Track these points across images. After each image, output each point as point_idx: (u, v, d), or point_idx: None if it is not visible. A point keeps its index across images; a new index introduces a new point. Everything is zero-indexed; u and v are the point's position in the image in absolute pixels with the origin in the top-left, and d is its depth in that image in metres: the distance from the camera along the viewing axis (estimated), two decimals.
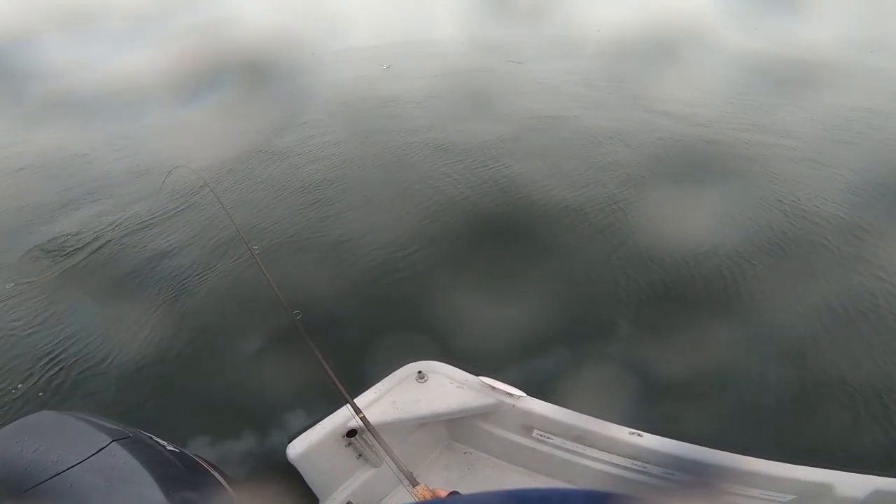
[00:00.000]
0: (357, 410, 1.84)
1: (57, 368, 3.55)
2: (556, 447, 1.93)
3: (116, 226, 5.91)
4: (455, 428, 2.24)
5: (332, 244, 4.86)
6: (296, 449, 1.77)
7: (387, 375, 1.99)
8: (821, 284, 3.72)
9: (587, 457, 1.91)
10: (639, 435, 1.77)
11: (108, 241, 5.54)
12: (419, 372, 1.97)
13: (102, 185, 7.42)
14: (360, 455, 1.98)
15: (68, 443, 1.37)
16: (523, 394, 1.88)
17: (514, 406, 1.89)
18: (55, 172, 8.50)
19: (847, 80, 9.97)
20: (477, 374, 1.93)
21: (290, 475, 1.83)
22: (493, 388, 1.91)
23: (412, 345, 2.61)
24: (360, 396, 1.91)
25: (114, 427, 1.48)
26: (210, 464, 1.73)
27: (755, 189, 5.43)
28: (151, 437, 1.59)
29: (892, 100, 8.82)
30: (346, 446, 1.92)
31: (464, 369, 1.99)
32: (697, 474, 1.72)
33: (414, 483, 1.21)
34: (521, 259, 4.34)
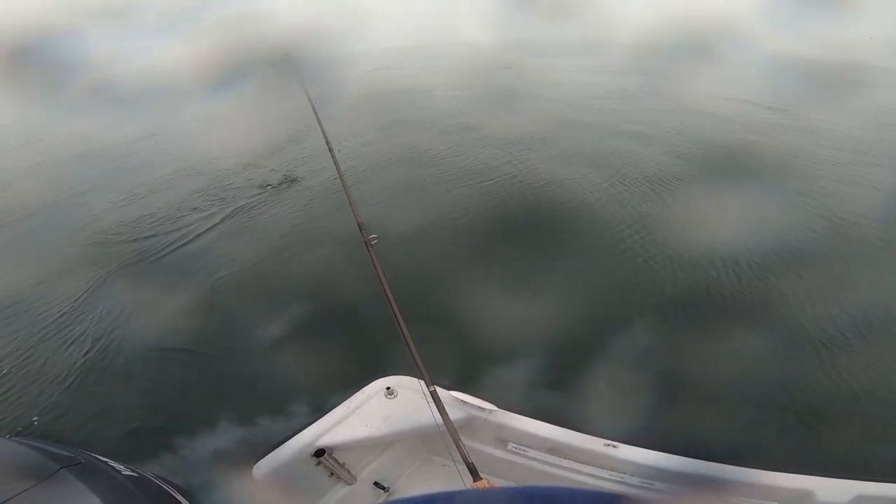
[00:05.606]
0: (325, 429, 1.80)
1: None
2: (532, 459, 1.90)
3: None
4: (431, 441, 2.19)
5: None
6: (261, 469, 1.71)
7: (355, 393, 1.94)
8: (818, 292, 3.66)
9: (564, 468, 1.87)
10: (614, 446, 1.73)
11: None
12: (388, 388, 1.93)
13: None
14: (331, 474, 1.93)
15: (12, 472, 1.30)
16: (495, 407, 1.85)
17: (486, 420, 1.85)
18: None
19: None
20: (448, 389, 1.89)
21: (259, 496, 1.76)
22: (465, 402, 1.87)
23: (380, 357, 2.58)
24: (326, 415, 1.86)
25: (64, 453, 1.42)
26: (172, 485, 1.67)
27: (784, 192, 5.28)
28: (106, 462, 1.52)
29: None
30: (315, 465, 1.86)
31: (434, 383, 1.94)
32: (679, 484, 1.69)
33: (476, 477, 1.19)
34: (520, 262, 4.29)
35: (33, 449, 1.40)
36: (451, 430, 1.34)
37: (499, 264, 4.29)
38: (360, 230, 1.65)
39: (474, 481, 1.14)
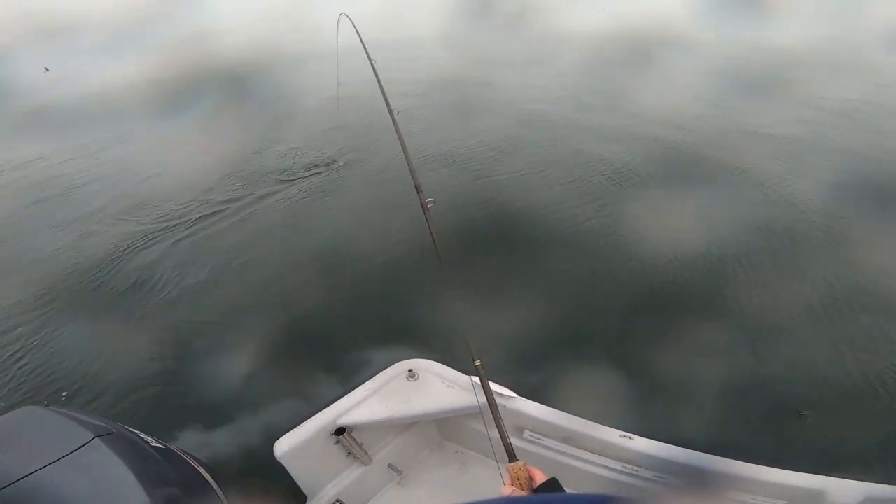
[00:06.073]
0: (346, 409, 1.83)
1: None
2: (547, 448, 1.91)
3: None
4: (446, 427, 2.22)
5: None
6: (282, 446, 1.75)
7: (377, 373, 1.97)
8: (807, 284, 3.71)
9: (578, 459, 1.88)
10: (630, 438, 1.74)
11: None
12: (410, 370, 1.95)
13: None
14: (348, 453, 1.97)
15: (49, 439, 1.35)
16: (514, 395, 1.85)
17: (504, 406, 1.85)
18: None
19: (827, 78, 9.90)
20: (468, 374, 1.90)
21: (278, 473, 1.81)
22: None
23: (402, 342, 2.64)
24: (348, 395, 1.89)
25: (97, 423, 1.46)
26: (196, 459, 1.72)
27: (743, 189, 5.39)
28: (135, 433, 1.57)
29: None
30: (334, 444, 1.90)
31: (455, 368, 1.96)
32: (690, 478, 1.69)
33: (513, 459, 1.12)
34: (512, 266, 4.31)
35: (68, 418, 1.45)
36: (494, 409, 1.34)
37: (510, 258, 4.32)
38: (418, 192, 1.64)
39: (510, 462, 1.11)
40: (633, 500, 0.47)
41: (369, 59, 2.05)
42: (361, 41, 2.14)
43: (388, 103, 1.92)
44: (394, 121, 1.83)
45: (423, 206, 1.59)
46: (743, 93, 9.26)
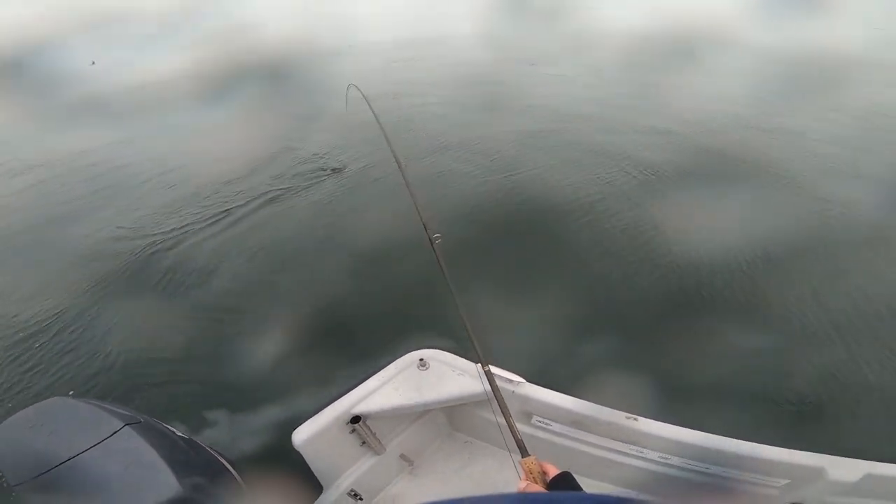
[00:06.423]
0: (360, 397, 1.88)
1: None
2: (555, 433, 1.96)
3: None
4: (455, 416, 2.27)
5: None
6: (301, 435, 1.79)
7: (390, 363, 2.02)
8: (817, 279, 3.81)
9: (585, 442, 1.94)
10: (635, 419, 1.80)
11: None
12: (421, 360, 2.00)
13: None
14: (363, 442, 2.01)
15: (82, 427, 1.40)
16: (523, 380, 1.90)
17: (513, 392, 1.90)
18: None
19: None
20: (477, 362, 1.96)
21: (296, 462, 1.86)
22: (494, 374, 1.94)
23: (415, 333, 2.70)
24: (362, 384, 1.93)
25: (125, 412, 1.51)
26: (216, 451, 1.77)
27: (769, 189, 5.38)
28: (161, 423, 1.62)
29: None
30: (349, 433, 1.95)
31: (464, 357, 2.02)
32: (695, 460, 1.77)
33: (525, 453, 1.12)
34: (529, 257, 4.39)
35: (98, 407, 1.50)
36: (503, 407, 1.38)
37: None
38: (426, 229, 1.70)
39: (522, 456, 1.13)
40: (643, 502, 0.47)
41: (379, 124, 2.10)
42: (371, 109, 2.19)
43: (396, 158, 1.98)
44: (402, 173, 1.91)
45: (430, 241, 1.66)
46: (784, 93, 9.07)
